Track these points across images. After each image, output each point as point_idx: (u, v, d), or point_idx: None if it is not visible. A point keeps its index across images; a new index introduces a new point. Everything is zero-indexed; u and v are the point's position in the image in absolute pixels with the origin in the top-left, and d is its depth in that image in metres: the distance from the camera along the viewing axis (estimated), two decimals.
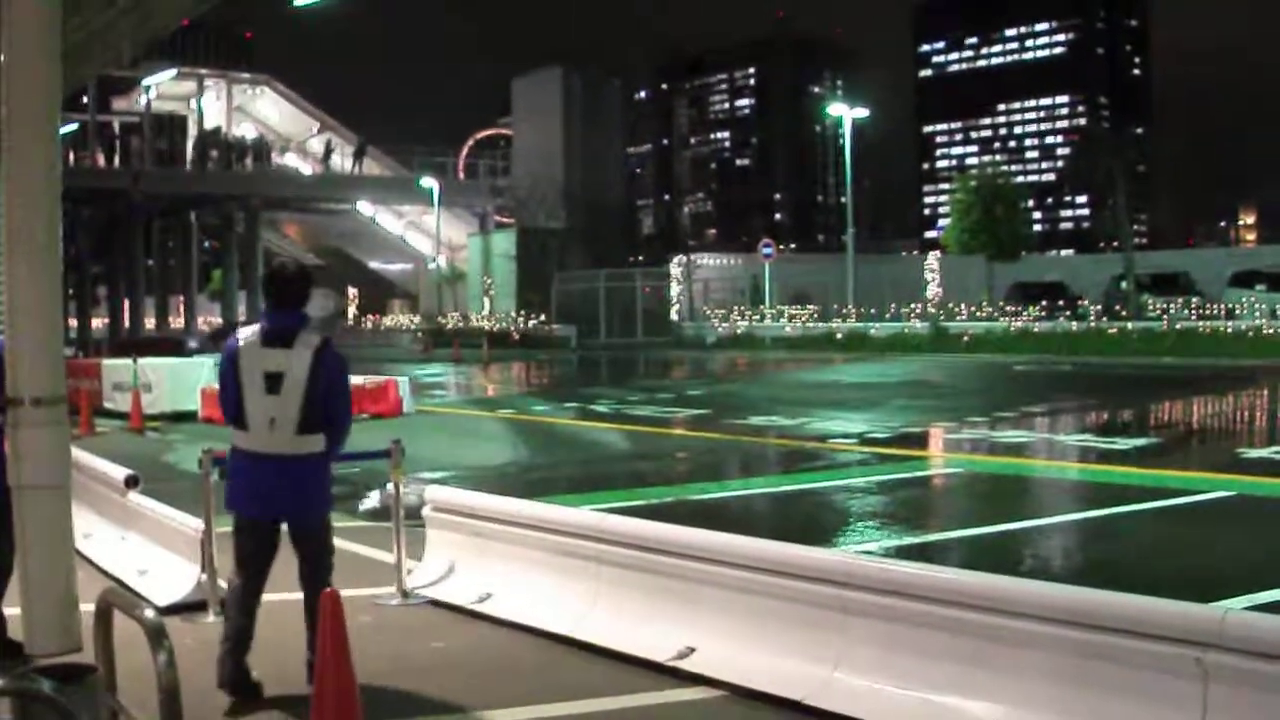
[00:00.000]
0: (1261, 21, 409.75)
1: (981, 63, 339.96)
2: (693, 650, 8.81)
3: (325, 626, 7.15)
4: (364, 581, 11.84)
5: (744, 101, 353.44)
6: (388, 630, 10.45)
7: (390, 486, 11.76)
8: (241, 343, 8.63)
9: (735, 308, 71.75)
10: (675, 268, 76.76)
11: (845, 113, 76.09)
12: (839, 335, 62.01)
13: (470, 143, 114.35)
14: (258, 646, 9.35)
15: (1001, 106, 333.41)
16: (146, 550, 12.46)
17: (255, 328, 8.52)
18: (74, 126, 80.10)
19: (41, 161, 7.30)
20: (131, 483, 12.92)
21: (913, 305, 64.06)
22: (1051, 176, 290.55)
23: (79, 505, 13.20)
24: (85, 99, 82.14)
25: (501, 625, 10.43)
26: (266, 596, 11.53)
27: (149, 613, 5.34)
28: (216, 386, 26.89)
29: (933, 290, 70.99)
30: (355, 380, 32.36)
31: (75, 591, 7.15)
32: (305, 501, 8.91)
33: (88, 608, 6.07)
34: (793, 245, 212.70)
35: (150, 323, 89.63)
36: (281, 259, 7.76)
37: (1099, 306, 58.84)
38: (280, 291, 8.72)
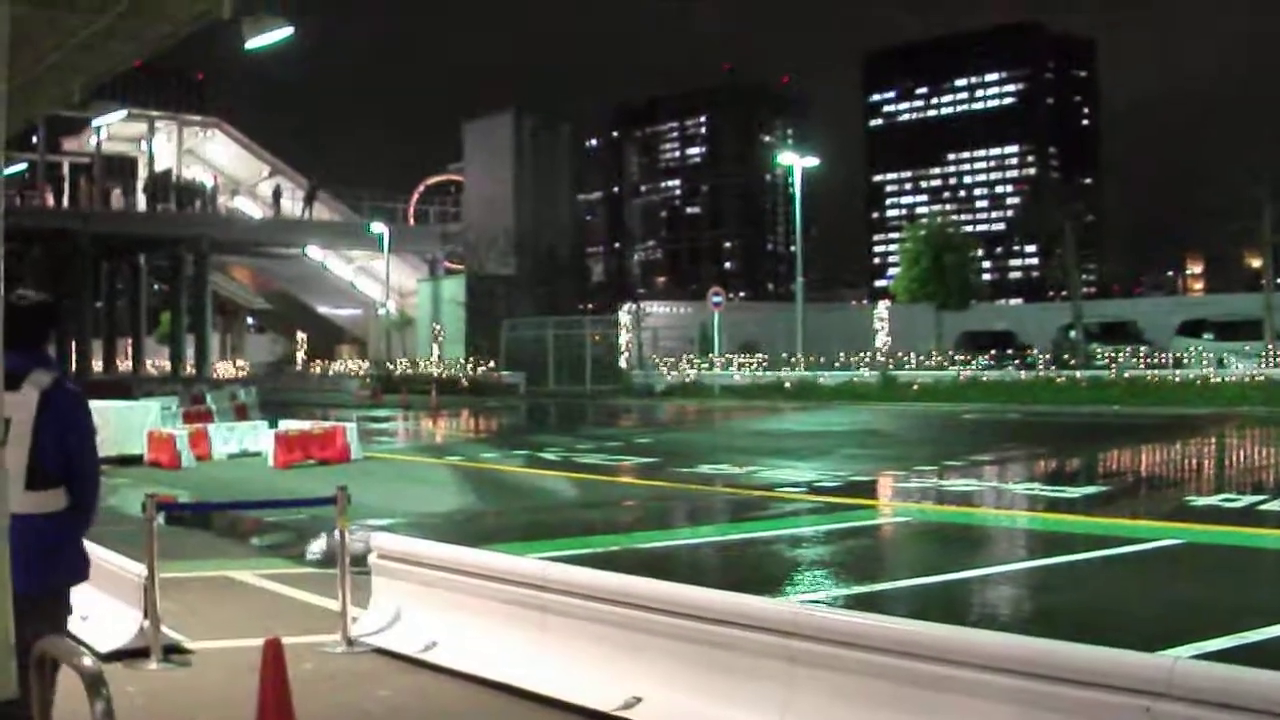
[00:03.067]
0: (1208, 71, 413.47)
1: (931, 112, 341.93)
2: (639, 700, 8.75)
3: (266, 674, 7.07)
4: (308, 629, 11.74)
5: (694, 150, 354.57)
6: (331, 678, 10.35)
7: (336, 533, 11.66)
8: None
9: (684, 356, 71.71)
10: (625, 316, 76.77)
11: (795, 161, 76.36)
12: (788, 384, 62.07)
13: (421, 188, 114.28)
14: (200, 692, 9.25)
15: (951, 156, 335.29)
16: (89, 596, 12.31)
17: None
18: (23, 166, 79.92)
19: None
20: None
21: (862, 354, 64.13)
22: (1001, 225, 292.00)
23: None
24: (35, 139, 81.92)
25: (447, 674, 10.35)
26: (211, 644, 11.46)
27: (87, 660, 5.25)
28: (164, 431, 26.57)
29: (882, 339, 71.06)
30: (303, 426, 32.31)
31: (11, 639, 7.03)
32: (31, 571, 7.14)
33: None
34: (742, 294, 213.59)
35: (98, 365, 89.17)
36: (19, 290, 7.09)
37: (1048, 355, 58.99)
38: (12, 328, 7.28)
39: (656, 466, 29.61)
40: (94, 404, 25.04)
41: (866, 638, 7.64)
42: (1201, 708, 6.10)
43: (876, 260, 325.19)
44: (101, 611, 11.87)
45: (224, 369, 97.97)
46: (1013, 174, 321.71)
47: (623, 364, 74.06)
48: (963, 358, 60.32)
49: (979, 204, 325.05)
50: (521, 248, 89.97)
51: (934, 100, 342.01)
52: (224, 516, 21.23)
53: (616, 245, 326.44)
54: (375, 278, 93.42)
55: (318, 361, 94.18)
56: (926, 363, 60.97)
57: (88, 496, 7.52)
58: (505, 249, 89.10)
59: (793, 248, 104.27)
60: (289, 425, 32.34)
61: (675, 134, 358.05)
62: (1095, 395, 50.54)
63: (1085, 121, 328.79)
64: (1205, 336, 56.84)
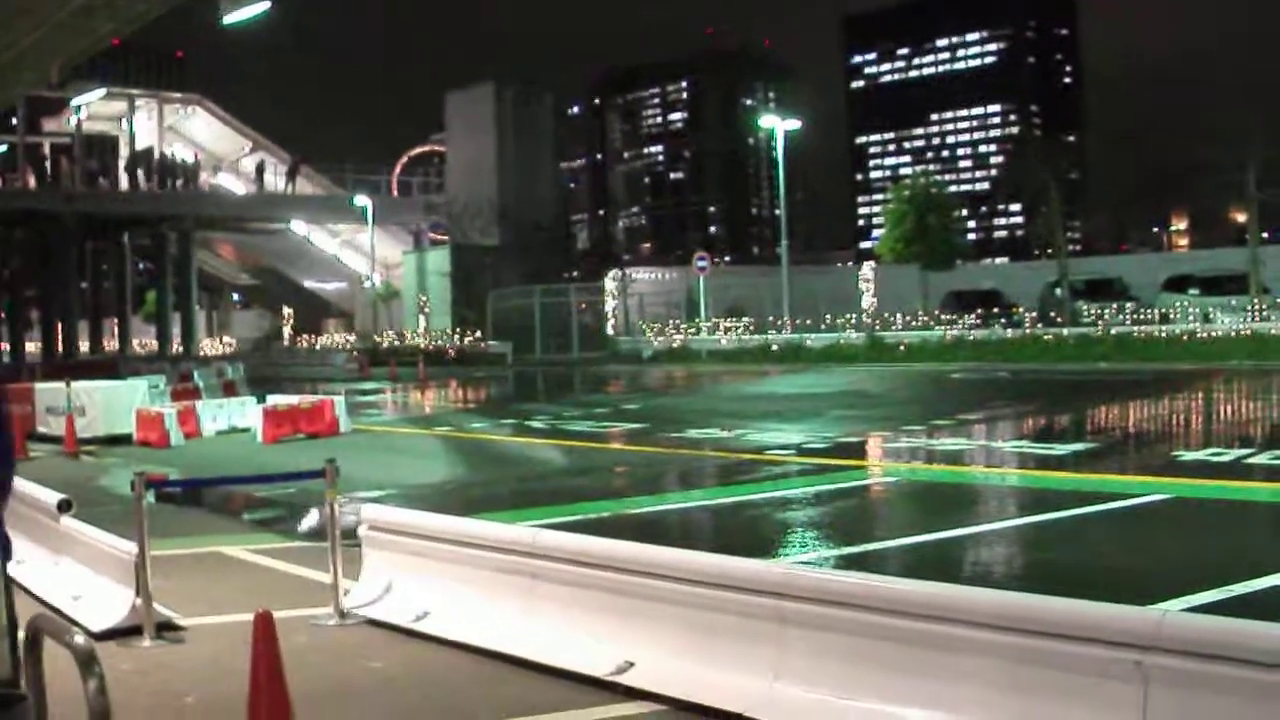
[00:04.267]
0: (1191, 28, 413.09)
1: (913, 73, 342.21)
2: (632, 664, 8.78)
3: (258, 647, 7.08)
4: (300, 602, 11.76)
5: (677, 115, 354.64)
6: (324, 651, 10.37)
7: (326, 506, 11.66)
8: None
9: (671, 322, 71.62)
10: (610, 282, 76.53)
11: (778, 125, 76.13)
12: (774, 347, 62.04)
13: (404, 160, 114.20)
14: (194, 668, 9.27)
15: (934, 116, 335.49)
16: (80, 575, 12.35)
17: None
18: (3, 148, 79.69)
19: None
20: (64, 507, 12.78)
21: (848, 316, 64.01)
22: (985, 185, 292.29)
23: (11, 531, 13.08)
24: (14, 120, 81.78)
25: (439, 643, 10.37)
26: (203, 620, 11.47)
27: (79, 639, 5.26)
28: (152, 409, 26.63)
29: (868, 300, 70.92)
30: (291, 400, 32.33)
31: (2, 620, 7.05)
32: None
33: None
34: (727, 258, 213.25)
35: (84, 345, 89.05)
36: None
37: (1034, 313, 58.92)
38: None
39: (645, 432, 29.62)
40: (82, 384, 25.11)
41: (857, 597, 7.67)
42: (1191, 659, 6.13)
43: (861, 222, 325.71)
44: (94, 590, 11.90)
45: (211, 346, 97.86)
46: (996, 133, 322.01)
47: (610, 331, 73.94)
48: (949, 317, 60.23)
49: (962, 164, 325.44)
50: (505, 217, 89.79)
51: (915, 61, 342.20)
52: (214, 493, 21.22)
53: (601, 212, 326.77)
54: (360, 251, 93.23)
55: (304, 336, 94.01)
56: (913, 323, 60.90)
57: (6, 478, 7.29)
58: (489, 219, 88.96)
59: (777, 211, 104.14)
60: (277, 400, 32.32)
61: (657, 100, 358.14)
62: (1082, 352, 50.56)
63: (1067, 79, 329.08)
64: (1191, 292, 56.80)
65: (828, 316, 63.28)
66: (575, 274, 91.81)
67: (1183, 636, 6.21)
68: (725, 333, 67.08)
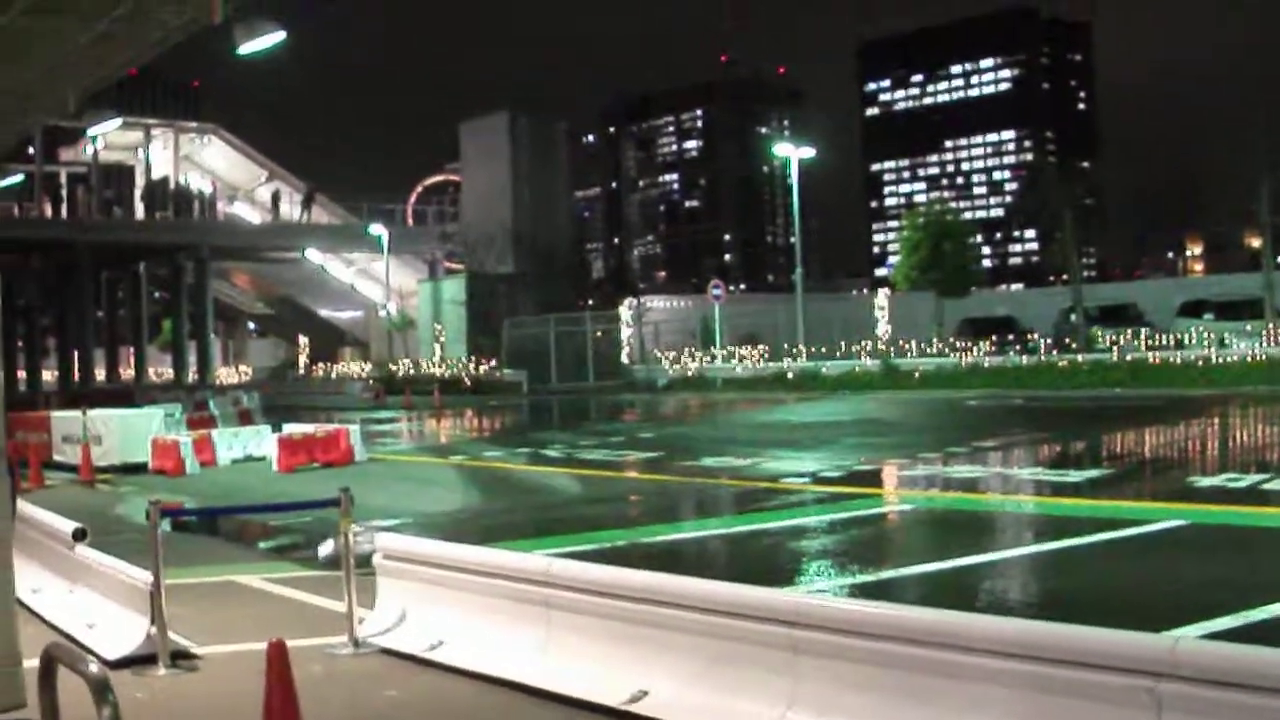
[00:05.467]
0: (1205, 53, 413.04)
1: (928, 100, 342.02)
2: (646, 693, 8.78)
3: (271, 677, 7.09)
4: (315, 631, 11.78)
5: (691, 143, 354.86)
6: (339, 680, 10.39)
7: (340, 536, 11.67)
8: None
9: (686, 349, 71.57)
10: (625, 311, 76.48)
11: (792, 152, 76.35)
12: (790, 375, 61.99)
13: (418, 189, 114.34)
14: (208, 697, 9.29)
15: (948, 143, 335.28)
16: (95, 604, 12.37)
17: None
18: (20, 177, 79.92)
19: None
20: (79, 536, 12.80)
21: (863, 343, 63.95)
22: (999, 211, 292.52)
23: (27, 559, 13.14)
24: (31, 150, 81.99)
25: (454, 673, 10.38)
26: (218, 649, 11.50)
27: (93, 667, 5.28)
28: (168, 438, 26.74)
29: (883, 328, 70.96)
30: (306, 429, 32.37)
31: (18, 647, 7.06)
32: None
33: (32, 663, 6.00)
34: (742, 286, 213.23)
35: (100, 373, 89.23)
36: None
37: (1049, 340, 58.84)
38: None
39: (660, 460, 29.64)
40: (98, 413, 25.18)
41: (870, 625, 7.67)
42: (1205, 686, 6.12)
43: (876, 249, 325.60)
44: (108, 618, 11.91)
45: (226, 375, 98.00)
46: (1010, 159, 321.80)
47: (625, 359, 73.89)
48: (964, 344, 60.18)
49: (977, 190, 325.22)
50: (520, 246, 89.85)
51: (930, 88, 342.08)
52: (229, 521, 21.26)
53: (615, 241, 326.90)
54: (375, 279, 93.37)
55: (320, 365, 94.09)
56: (928, 350, 60.83)
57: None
58: (504, 247, 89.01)
59: (792, 239, 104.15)
60: (292, 429, 32.37)
61: (672, 128, 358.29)
62: (1097, 378, 50.43)
63: (1082, 105, 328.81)
64: (1206, 317, 56.71)
65: (843, 344, 63.22)
66: (590, 302, 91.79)
67: (1197, 663, 6.20)
68: (740, 361, 67.01)
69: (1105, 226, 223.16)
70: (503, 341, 76.98)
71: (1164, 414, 38.70)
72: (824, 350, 63.21)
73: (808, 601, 8.61)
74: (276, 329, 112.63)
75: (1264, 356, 49.51)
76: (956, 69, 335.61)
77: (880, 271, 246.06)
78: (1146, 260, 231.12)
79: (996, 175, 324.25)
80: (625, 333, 74.61)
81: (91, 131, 73.73)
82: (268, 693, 7.41)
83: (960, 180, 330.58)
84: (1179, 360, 51.10)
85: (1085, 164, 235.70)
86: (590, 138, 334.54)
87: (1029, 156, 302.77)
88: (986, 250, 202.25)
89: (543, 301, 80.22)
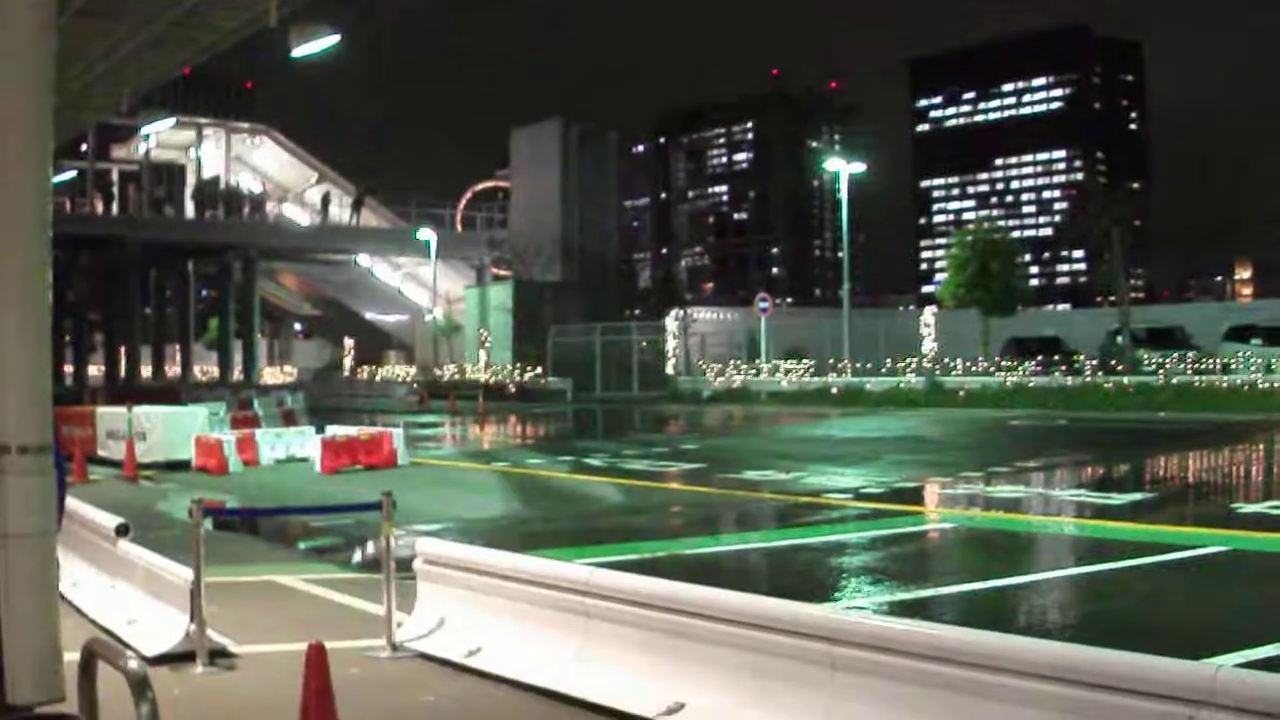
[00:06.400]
0: (1259, 75, 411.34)
1: (979, 118, 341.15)
2: (682, 705, 8.77)
3: (309, 678, 7.11)
4: (353, 633, 11.80)
5: (741, 155, 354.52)
6: (376, 683, 10.40)
7: (381, 539, 11.69)
8: None
9: (731, 362, 71.55)
10: (672, 322, 76.47)
11: (842, 167, 76.15)
12: (834, 390, 61.90)
13: (468, 195, 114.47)
14: (245, 696, 9.31)
15: (999, 161, 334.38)
16: (136, 599, 12.42)
17: None
18: (73, 174, 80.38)
19: (32, 207, 7.28)
20: (122, 531, 12.86)
21: (908, 360, 63.87)
22: (1048, 231, 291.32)
23: (69, 553, 13.20)
24: (84, 146, 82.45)
25: (491, 679, 10.38)
26: (256, 648, 11.53)
27: (133, 663, 5.30)
28: (211, 436, 26.87)
29: (928, 345, 70.76)
30: (349, 431, 32.43)
31: (59, 641, 7.08)
32: None
33: (72, 657, 6.02)
34: (789, 299, 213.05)
35: (147, 370, 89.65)
36: None
37: (1095, 361, 58.66)
38: None
39: (703, 472, 29.61)
40: (143, 409, 25.34)
41: (909, 644, 7.65)
42: (1245, 716, 6.08)
43: (924, 266, 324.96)
44: (148, 615, 11.96)
45: (271, 375, 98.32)
46: (1060, 179, 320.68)
47: (670, 370, 73.90)
48: (1009, 363, 60.02)
49: (1026, 209, 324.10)
50: (569, 254, 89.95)
51: (981, 105, 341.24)
52: (270, 521, 21.34)
53: (664, 251, 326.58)
54: (422, 284, 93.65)
55: (365, 367, 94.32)
56: (973, 368, 60.68)
57: (61, 498, 7.29)
58: (552, 255, 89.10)
59: (840, 254, 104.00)
60: (336, 431, 32.45)
61: (722, 140, 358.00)
62: (1142, 401, 50.20)
63: (1133, 125, 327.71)
64: (1253, 342, 56.39)
65: (888, 360, 63.14)
66: (637, 312, 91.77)
67: (1237, 692, 6.16)
68: (785, 374, 66.96)
69: (1154, 248, 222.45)
70: (548, 349, 77.04)
71: (1208, 439, 38.49)
72: (869, 366, 63.16)
73: (848, 618, 8.59)
74: (322, 330, 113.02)
75: None
76: (1008, 87, 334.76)
77: (927, 289, 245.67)
78: (1194, 283, 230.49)
79: (1046, 194, 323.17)
80: (670, 344, 74.64)
81: (144, 130, 74.14)
82: (305, 694, 7.42)
83: (1009, 199, 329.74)
84: (1225, 385, 50.88)
85: (1135, 185, 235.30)
86: (641, 147, 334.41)
87: (1079, 176, 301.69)
88: (1034, 270, 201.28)
89: (589, 310, 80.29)
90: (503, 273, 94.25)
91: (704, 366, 72.24)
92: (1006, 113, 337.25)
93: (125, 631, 11.81)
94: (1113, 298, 79.77)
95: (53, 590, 7.16)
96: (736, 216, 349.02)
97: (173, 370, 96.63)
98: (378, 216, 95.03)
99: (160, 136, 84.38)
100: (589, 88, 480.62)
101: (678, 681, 8.94)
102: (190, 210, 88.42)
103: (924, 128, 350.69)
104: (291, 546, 19.71)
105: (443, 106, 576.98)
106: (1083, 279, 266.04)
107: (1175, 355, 55.61)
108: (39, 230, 7.35)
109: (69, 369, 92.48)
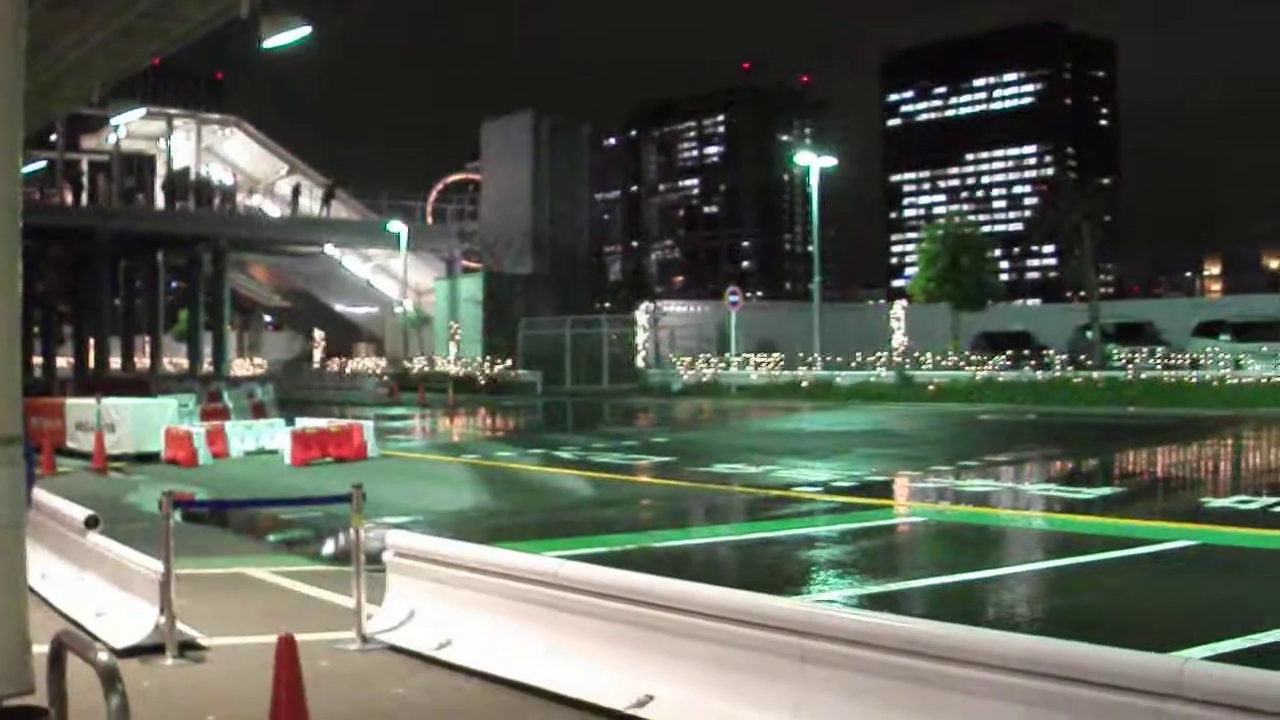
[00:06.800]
0: (1226, 74, 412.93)
1: (949, 112, 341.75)
2: (652, 698, 8.78)
3: (280, 671, 7.10)
4: (323, 626, 11.80)
5: (712, 149, 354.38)
6: (346, 675, 10.39)
7: (351, 531, 11.68)
8: None
9: (701, 355, 71.62)
10: (642, 315, 76.53)
11: (813, 161, 76.17)
12: (804, 383, 61.98)
13: (439, 187, 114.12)
14: (215, 688, 9.31)
15: (969, 156, 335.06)
16: (105, 591, 12.39)
17: None
18: (42, 164, 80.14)
19: (2, 197, 7.25)
20: (91, 523, 12.82)
21: (878, 354, 64.01)
22: (1018, 226, 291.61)
23: (38, 544, 13.16)
24: (54, 137, 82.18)
25: (461, 671, 10.38)
26: (225, 640, 11.51)
27: (103, 655, 5.29)
28: (181, 428, 26.79)
29: (898, 339, 70.94)
30: (319, 424, 32.38)
31: (28, 633, 7.06)
32: None
33: (41, 649, 6.02)
34: (759, 293, 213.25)
35: (116, 362, 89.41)
36: None
37: (1064, 356, 58.83)
38: None
39: (672, 465, 29.63)
40: (112, 401, 25.30)
41: (879, 637, 7.66)
42: (1212, 709, 6.10)
43: (894, 260, 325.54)
44: (118, 607, 11.94)
45: (241, 367, 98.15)
46: (1030, 174, 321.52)
47: (640, 363, 73.96)
48: (979, 358, 60.19)
49: (996, 204, 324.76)
50: (539, 247, 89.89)
51: (952, 100, 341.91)
52: (240, 514, 21.31)
53: (634, 244, 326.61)
54: (393, 276, 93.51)
55: (335, 360, 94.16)
56: (943, 363, 60.83)
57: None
58: (523, 248, 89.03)
59: (810, 247, 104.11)
60: (306, 423, 32.41)
61: (693, 133, 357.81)
62: (1111, 396, 50.37)
63: (1103, 121, 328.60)
64: (1222, 337, 56.65)
65: (858, 354, 63.27)
66: (607, 305, 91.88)
67: (1204, 685, 6.18)
68: (755, 368, 67.04)
69: (1124, 244, 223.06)
70: (518, 342, 77.02)
71: (1177, 433, 38.65)
72: (839, 360, 63.28)
73: (818, 611, 8.61)
74: (292, 322, 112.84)
75: None
76: (979, 82, 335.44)
77: (897, 283, 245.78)
78: (1164, 278, 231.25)
79: (1016, 189, 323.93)
80: (641, 337, 74.68)
81: (115, 120, 73.91)
82: (276, 686, 7.41)
83: (980, 193, 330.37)
84: (1194, 380, 51.07)
85: (1105, 180, 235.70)
86: (612, 140, 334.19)
87: (1049, 171, 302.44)
88: (1004, 264, 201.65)
89: (559, 303, 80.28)
90: (473, 265, 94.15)
91: (674, 360, 72.32)
92: (978, 108, 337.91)
93: (94, 624, 11.79)
94: (1082, 293, 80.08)
95: (21, 582, 7.15)
96: (707, 210, 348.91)
97: (142, 362, 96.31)
98: (348, 208, 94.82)
99: (130, 127, 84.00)
100: (561, 80, 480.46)
101: (647, 674, 8.95)
102: (160, 201, 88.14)
103: (895, 122, 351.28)
104: (261, 539, 19.68)
105: (415, 98, 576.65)
106: (1053, 274, 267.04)
107: (1144, 351, 55.85)
108: (8, 221, 7.33)
109: (38, 360, 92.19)
